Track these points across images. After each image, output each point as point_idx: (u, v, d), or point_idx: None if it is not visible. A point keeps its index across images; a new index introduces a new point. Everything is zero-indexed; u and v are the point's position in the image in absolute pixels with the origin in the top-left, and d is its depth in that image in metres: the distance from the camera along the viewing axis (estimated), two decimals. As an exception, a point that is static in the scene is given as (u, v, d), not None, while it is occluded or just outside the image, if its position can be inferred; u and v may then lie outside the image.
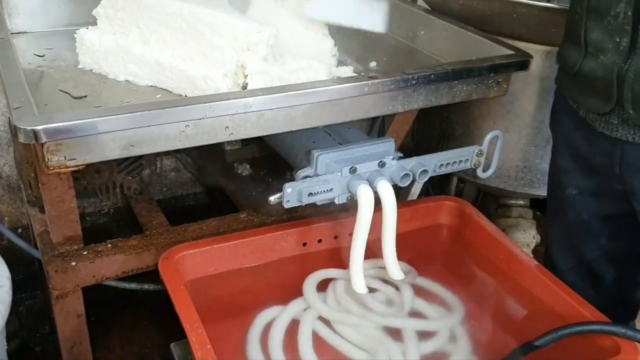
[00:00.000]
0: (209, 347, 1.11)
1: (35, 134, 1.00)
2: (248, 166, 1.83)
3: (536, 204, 2.25)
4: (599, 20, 1.23)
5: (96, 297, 1.60)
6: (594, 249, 1.53)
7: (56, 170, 1.07)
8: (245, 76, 1.34)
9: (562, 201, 1.53)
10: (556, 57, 1.42)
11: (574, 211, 1.52)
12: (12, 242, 1.81)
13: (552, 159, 1.56)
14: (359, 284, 1.35)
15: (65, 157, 1.06)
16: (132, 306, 2.15)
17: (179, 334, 1.24)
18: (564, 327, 1.22)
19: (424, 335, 1.32)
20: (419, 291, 1.44)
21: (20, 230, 2.10)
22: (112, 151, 1.10)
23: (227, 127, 1.17)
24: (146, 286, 1.86)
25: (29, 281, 2.11)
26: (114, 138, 1.08)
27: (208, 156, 1.99)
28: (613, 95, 1.24)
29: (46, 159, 1.05)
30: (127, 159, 1.70)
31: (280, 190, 1.27)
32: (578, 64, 1.31)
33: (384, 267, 1.41)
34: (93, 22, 1.46)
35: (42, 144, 1.03)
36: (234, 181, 1.79)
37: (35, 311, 2.15)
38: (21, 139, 1.00)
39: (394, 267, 1.39)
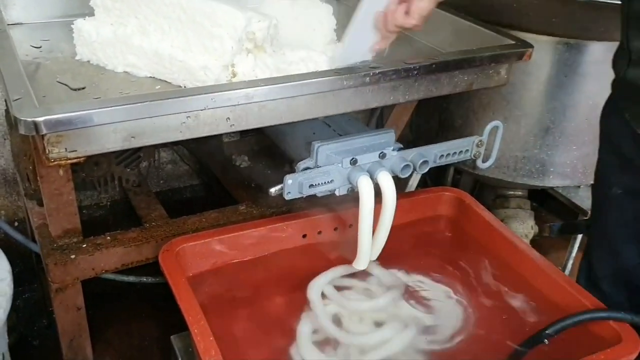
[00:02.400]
0: (211, 339, 1.11)
1: (35, 125, 0.99)
2: (246, 158, 1.82)
3: (534, 194, 2.25)
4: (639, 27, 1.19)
5: (93, 290, 1.60)
6: (634, 256, 1.46)
7: (57, 162, 1.06)
8: (236, 70, 1.33)
9: (605, 201, 1.48)
10: (612, 61, 1.37)
11: (617, 212, 1.46)
12: (9, 235, 1.80)
13: (598, 155, 1.52)
14: (363, 261, 1.38)
15: (66, 149, 1.05)
16: (130, 299, 2.15)
17: (178, 326, 1.23)
18: (572, 315, 1.23)
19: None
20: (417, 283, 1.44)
21: (16, 224, 2.09)
22: (113, 143, 1.09)
23: (229, 118, 1.17)
24: (144, 279, 1.86)
25: (26, 275, 2.09)
26: (115, 129, 1.07)
27: (206, 148, 1.98)
28: None
29: (47, 151, 1.04)
30: (125, 151, 1.69)
31: (279, 182, 1.27)
32: (623, 71, 1.28)
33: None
34: (90, 13, 1.44)
35: (43, 136, 1.02)
36: (232, 173, 1.79)
37: (32, 305, 2.14)
38: (21, 130, 1.00)
39: (373, 254, 1.40)
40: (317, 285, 1.37)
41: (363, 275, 1.42)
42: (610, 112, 1.44)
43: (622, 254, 1.48)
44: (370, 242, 1.34)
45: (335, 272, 1.41)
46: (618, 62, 1.32)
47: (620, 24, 1.28)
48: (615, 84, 1.39)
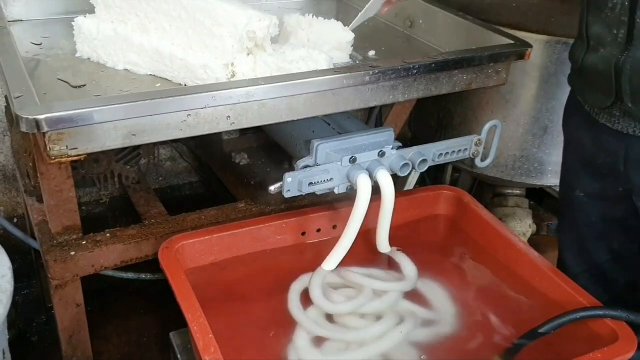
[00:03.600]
0: (210, 336, 1.11)
1: (37, 123, 0.99)
2: (246, 155, 1.82)
3: (531, 193, 2.26)
4: (598, 13, 1.24)
5: (91, 286, 1.60)
6: (603, 252, 1.52)
7: (57, 159, 1.06)
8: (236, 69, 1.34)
9: (571, 203, 1.52)
10: (568, 54, 1.42)
11: (582, 213, 1.51)
12: (8, 231, 1.80)
13: (562, 159, 1.55)
14: (332, 262, 1.38)
15: (66, 146, 1.05)
16: (127, 295, 2.15)
17: (176, 323, 1.23)
18: (568, 313, 1.24)
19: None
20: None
21: (15, 220, 2.09)
22: (114, 140, 1.09)
23: (229, 116, 1.17)
24: (143, 275, 1.86)
25: (25, 271, 2.10)
26: (116, 127, 1.08)
27: (205, 145, 1.98)
28: (612, 89, 1.25)
29: (48, 148, 1.04)
30: (125, 148, 1.69)
31: (279, 179, 1.27)
32: (581, 59, 1.32)
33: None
34: (90, 10, 1.44)
35: (44, 133, 1.03)
36: (231, 170, 1.79)
37: (31, 301, 2.14)
38: (23, 128, 1.00)
39: (384, 240, 1.43)
40: (295, 291, 1.36)
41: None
42: (570, 113, 1.48)
43: (592, 251, 1.54)
44: (350, 242, 1.36)
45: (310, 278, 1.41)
46: (575, 52, 1.36)
47: (580, 12, 1.31)
48: (572, 77, 1.42)
